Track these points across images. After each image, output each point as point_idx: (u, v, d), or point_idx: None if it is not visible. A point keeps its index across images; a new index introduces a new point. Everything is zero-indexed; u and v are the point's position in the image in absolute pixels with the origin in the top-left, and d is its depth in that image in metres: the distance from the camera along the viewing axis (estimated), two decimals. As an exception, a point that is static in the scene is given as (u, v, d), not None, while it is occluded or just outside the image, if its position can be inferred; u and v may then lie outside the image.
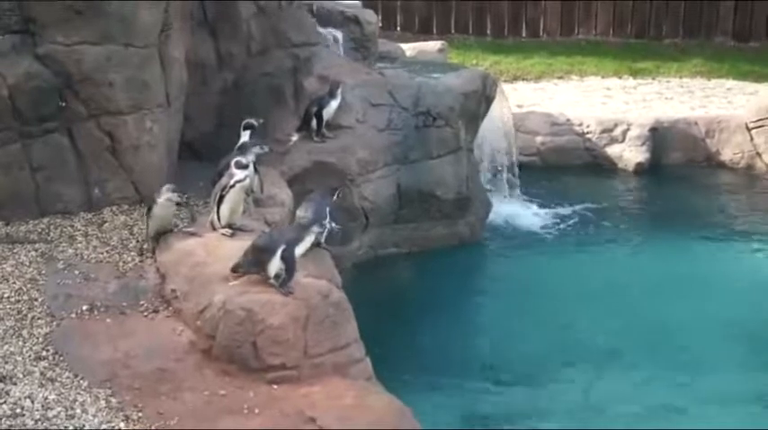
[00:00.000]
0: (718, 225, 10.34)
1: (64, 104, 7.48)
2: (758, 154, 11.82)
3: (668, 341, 7.82)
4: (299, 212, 6.86)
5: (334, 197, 7.23)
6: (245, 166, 6.77)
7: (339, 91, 8.84)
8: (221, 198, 6.72)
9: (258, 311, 5.70)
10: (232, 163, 6.79)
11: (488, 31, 16.41)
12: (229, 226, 6.77)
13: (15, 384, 5.41)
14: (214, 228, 6.81)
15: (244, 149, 7.35)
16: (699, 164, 11.99)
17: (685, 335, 7.90)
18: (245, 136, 7.79)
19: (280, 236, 6.18)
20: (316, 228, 6.34)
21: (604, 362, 7.58)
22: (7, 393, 5.31)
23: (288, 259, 5.95)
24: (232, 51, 8.89)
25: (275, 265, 5.93)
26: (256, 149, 7.39)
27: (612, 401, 7.06)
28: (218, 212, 6.77)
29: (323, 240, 6.72)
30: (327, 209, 6.79)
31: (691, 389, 7.15)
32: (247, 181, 6.78)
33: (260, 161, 7.45)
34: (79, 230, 7.35)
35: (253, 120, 7.89)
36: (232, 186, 6.69)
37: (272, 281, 5.92)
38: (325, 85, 8.98)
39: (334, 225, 6.65)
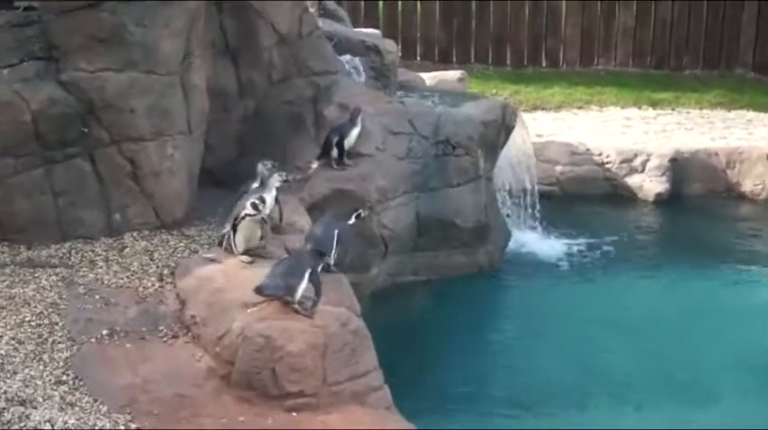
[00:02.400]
0: (738, 256, 10.28)
1: (86, 130, 7.54)
2: (778, 185, 11.80)
3: (686, 372, 7.77)
4: (308, 234, 6.92)
5: (353, 219, 7.24)
6: (258, 209, 6.78)
7: (359, 118, 8.87)
8: (235, 227, 6.77)
9: (277, 338, 5.71)
10: (248, 203, 6.81)
11: (508, 61, 16.43)
12: (247, 252, 6.80)
13: (36, 408, 5.43)
14: (233, 253, 6.85)
15: (265, 183, 7.39)
16: (719, 195, 11.95)
17: (704, 366, 7.85)
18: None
19: (304, 260, 6.21)
20: (320, 262, 6.37)
21: (623, 392, 7.54)
22: (27, 417, 5.33)
23: (316, 282, 6.02)
24: (253, 79, 8.94)
25: (303, 288, 5.97)
26: (275, 180, 7.41)
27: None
28: (234, 240, 6.80)
29: (332, 263, 6.76)
30: (336, 232, 6.83)
31: (708, 421, 7.10)
32: (258, 217, 6.80)
33: (281, 189, 7.47)
34: (100, 255, 7.39)
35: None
36: (243, 218, 6.74)
37: (296, 305, 5.94)
38: (345, 113, 9.01)
39: (333, 259, 6.68)
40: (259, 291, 6.00)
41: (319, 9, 10.51)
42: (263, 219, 6.88)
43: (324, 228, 6.90)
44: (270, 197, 7.18)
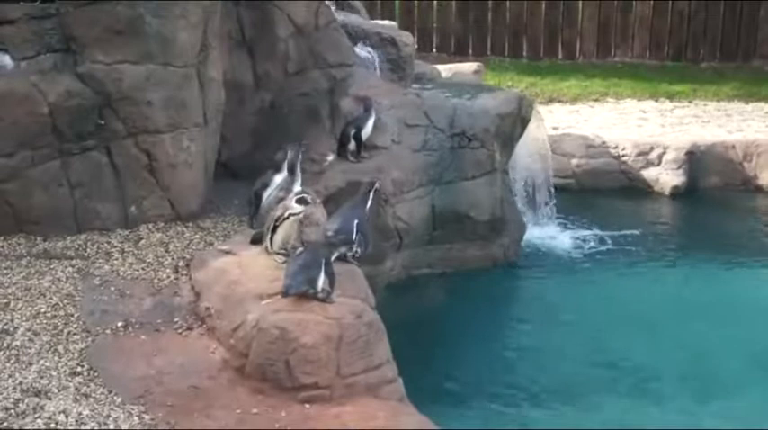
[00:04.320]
0: (755, 250, 10.24)
1: (103, 122, 7.57)
2: (796, 178, 11.74)
3: (702, 367, 7.75)
4: (327, 225, 6.94)
5: (371, 198, 7.24)
6: (307, 203, 6.75)
7: (373, 108, 8.83)
8: (275, 228, 6.71)
9: (291, 330, 5.72)
10: (293, 198, 6.75)
11: (524, 53, 16.42)
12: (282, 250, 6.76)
13: (50, 399, 5.46)
14: (268, 252, 6.78)
15: (292, 168, 7.39)
16: (736, 188, 11.90)
17: (719, 361, 7.82)
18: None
19: (318, 251, 6.23)
20: (342, 248, 6.40)
21: (637, 386, 7.52)
22: (42, 408, 5.36)
23: (330, 273, 6.08)
24: (269, 72, 8.96)
25: (322, 280, 6.02)
26: (293, 154, 7.43)
27: (644, 426, 7.01)
28: (271, 239, 6.75)
29: (349, 256, 6.79)
30: (356, 222, 6.84)
31: (723, 416, 7.08)
32: (302, 215, 6.77)
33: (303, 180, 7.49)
34: (116, 247, 7.42)
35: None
36: (286, 218, 6.70)
37: (320, 295, 6.00)
38: (360, 104, 8.99)
39: (358, 241, 6.76)
40: (286, 292, 6.00)
41: (337, 5, 10.50)
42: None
43: (342, 219, 6.90)
44: (298, 186, 7.23)
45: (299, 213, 6.69)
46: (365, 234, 7.00)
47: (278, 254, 6.69)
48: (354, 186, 8.50)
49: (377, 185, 7.48)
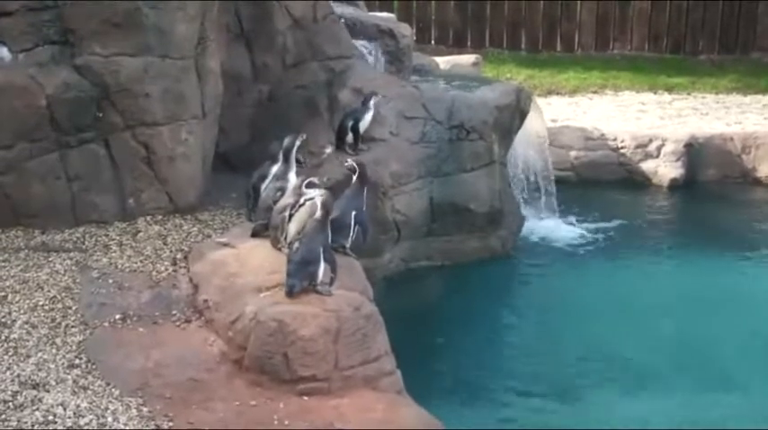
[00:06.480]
0: (753, 242, 10.24)
1: (101, 115, 7.56)
2: (794, 171, 11.75)
3: (700, 358, 7.76)
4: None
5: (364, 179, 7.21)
6: (317, 186, 6.74)
7: (372, 102, 8.83)
8: (290, 217, 6.64)
9: (290, 323, 5.72)
10: (303, 183, 6.75)
11: (523, 45, 16.42)
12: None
13: (48, 391, 5.46)
14: (276, 247, 6.74)
15: (287, 156, 7.40)
16: (734, 180, 11.91)
17: (718, 352, 7.83)
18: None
19: (315, 241, 6.18)
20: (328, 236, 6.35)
21: (636, 378, 7.52)
22: (40, 400, 5.36)
23: (330, 260, 6.07)
24: (267, 64, 8.95)
25: (322, 272, 6.02)
26: (289, 142, 7.42)
27: (643, 418, 7.00)
28: (287, 230, 6.66)
29: (348, 245, 6.81)
30: (353, 214, 6.86)
31: (722, 408, 7.08)
32: (317, 199, 6.74)
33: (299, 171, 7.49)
34: (114, 240, 7.42)
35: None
36: (302, 205, 6.63)
37: (319, 287, 6.00)
38: (359, 97, 8.99)
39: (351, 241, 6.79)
40: (290, 292, 5.97)
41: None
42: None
43: (339, 212, 6.89)
44: (293, 175, 7.23)
45: (313, 197, 6.67)
46: (363, 223, 7.00)
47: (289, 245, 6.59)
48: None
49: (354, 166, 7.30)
